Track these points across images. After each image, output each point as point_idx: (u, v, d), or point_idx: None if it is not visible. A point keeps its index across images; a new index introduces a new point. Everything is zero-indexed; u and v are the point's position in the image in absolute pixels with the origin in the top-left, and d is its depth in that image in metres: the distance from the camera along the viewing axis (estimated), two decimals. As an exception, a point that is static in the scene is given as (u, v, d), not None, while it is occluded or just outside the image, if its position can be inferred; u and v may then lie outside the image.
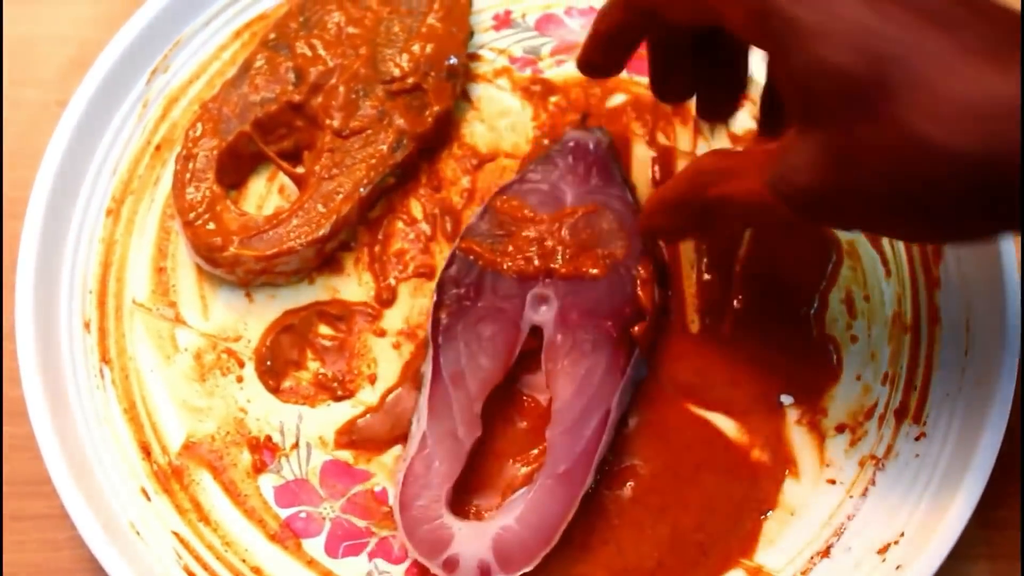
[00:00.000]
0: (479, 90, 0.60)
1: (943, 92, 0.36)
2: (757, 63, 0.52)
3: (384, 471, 0.52)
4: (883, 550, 0.50)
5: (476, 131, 0.59)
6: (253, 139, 0.56)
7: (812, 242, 0.56)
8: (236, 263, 0.53)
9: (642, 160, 0.58)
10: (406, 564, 0.50)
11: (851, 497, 0.51)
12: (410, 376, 0.54)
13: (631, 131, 0.59)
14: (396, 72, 0.57)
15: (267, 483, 0.52)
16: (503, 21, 0.62)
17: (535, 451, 0.52)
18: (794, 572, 0.50)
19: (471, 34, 0.60)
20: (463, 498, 0.51)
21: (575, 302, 0.52)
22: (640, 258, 0.53)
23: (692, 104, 0.58)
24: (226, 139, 0.56)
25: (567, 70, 0.60)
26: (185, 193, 0.55)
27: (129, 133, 0.58)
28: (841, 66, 0.37)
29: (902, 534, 0.50)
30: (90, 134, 0.57)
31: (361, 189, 0.55)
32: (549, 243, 0.53)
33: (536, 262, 0.53)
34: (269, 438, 0.53)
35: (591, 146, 0.56)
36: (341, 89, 0.56)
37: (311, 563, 0.50)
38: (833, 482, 0.52)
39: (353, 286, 0.56)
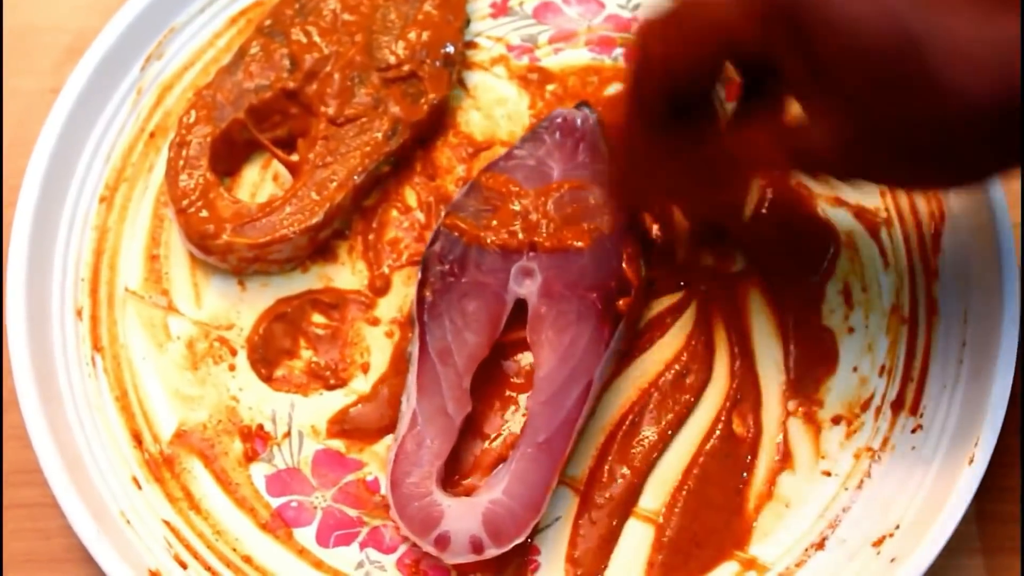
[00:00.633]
0: (475, 78, 0.60)
1: (960, 43, 0.37)
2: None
3: (376, 460, 0.52)
4: (878, 542, 0.49)
5: (472, 119, 0.59)
6: (247, 126, 0.56)
7: (810, 233, 0.56)
8: (229, 251, 0.53)
9: (639, 149, 0.58)
10: (397, 554, 0.50)
11: (846, 489, 0.51)
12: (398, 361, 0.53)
13: (628, 120, 0.58)
14: (392, 59, 0.57)
15: (259, 472, 0.52)
16: (500, 9, 0.61)
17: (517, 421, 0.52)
18: (788, 564, 0.50)
19: (468, 21, 0.59)
20: (453, 475, 0.51)
21: (559, 274, 0.52)
22: (626, 233, 0.53)
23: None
24: (220, 126, 0.55)
25: (564, 58, 0.60)
26: (178, 180, 0.54)
27: (123, 120, 0.58)
28: (876, 42, 0.38)
29: (897, 526, 0.49)
30: (84, 121, 0.56)
31: (355, 177, 0.55)
32: (534, 216, 0.53)
33: (520, 235, 0.53)
34: (261, 427, 0.52)
35: (578, 122, 0.55)
36: (336, 76, 0.56)
37: (302, 552, 0.50)
38: (828, 474, 0.52)
39: (347, 274, 0.55)
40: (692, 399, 0.53)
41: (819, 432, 0.52)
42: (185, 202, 0.54)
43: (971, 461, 0.49)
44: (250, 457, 0.52)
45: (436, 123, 0.58)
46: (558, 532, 0.51)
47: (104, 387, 0.53)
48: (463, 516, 0.48)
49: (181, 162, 0.55)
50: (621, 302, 0.51)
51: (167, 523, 0.50)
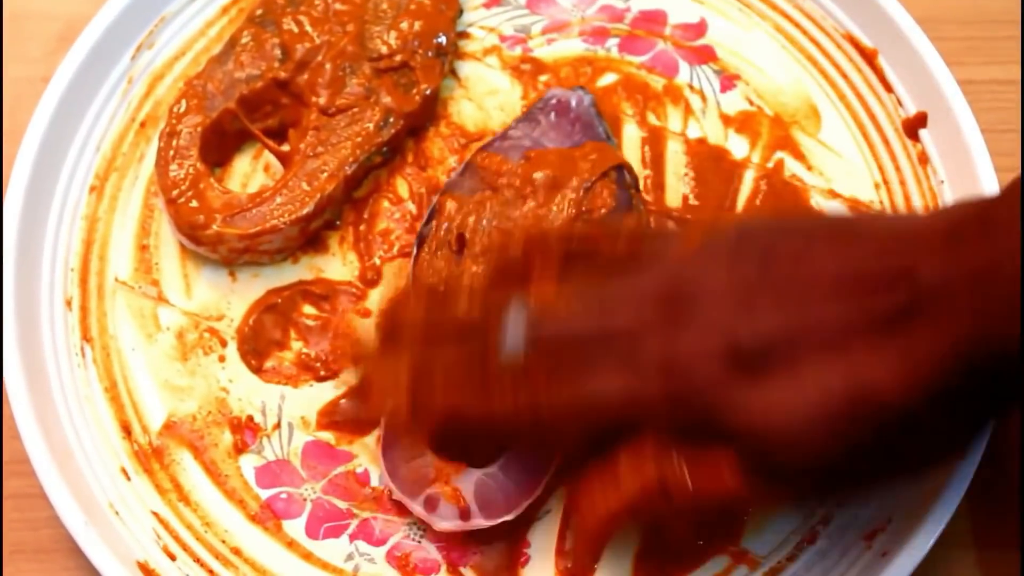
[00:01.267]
0: (468, 68, 0.59)
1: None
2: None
3: (367, 452, 0.52)
4: (869, 537, 0.49)
5: (464, 110, 0.58)
6: (238, 116, 0.55)
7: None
8: (219, 241, 0.53)
9: (632, 140, 0.57)
10: (387, 546, 0.50)
11: (838, 483, 0.51)
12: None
13: (621, 111, 0.58)
14: (384, 49, 0.56)
15: (248, 463, 0.51)
16: (493, -1, 0.61)
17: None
18: (779, 558, 0.50)
19: (460, 12, 0.59)
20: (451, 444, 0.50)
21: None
22: (624, 210, 0.53)
23: (684, 87, 0.58)
24: (211, 116, 0.55)
25: (557, 49, 0.60)
26: (168, 170, 0.54)
27: (113, 109, 0.57)
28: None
29: (889, 520, 0.49)
30: (73, 110, 0.56)
31: (346, 168, 0.54)
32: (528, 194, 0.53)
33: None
34: (251, 418, 0.52)
35: (573, 103, 0.55)
36: (328, 66, 0.56)
37: (291, 544, 0.50)
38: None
39: (337, 265, 0.55)
40: None
41: (811, 425, 0.52)
42: (175, 192, 0.53)
43: (964, 455, 0.48)
44: (240, 449, 0.52)
45: (428, 113, 0.57)
46: (548, 525, 0.50)
47: (93, 378, 0.52)
48: (455, 482, 0.48)
49: (171, 152, 0.54)
50: None
51: (156, 514, 0.50)
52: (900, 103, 0.57)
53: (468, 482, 0.48)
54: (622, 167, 0.54)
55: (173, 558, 0.49)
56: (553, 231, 0.50)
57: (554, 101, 0.56)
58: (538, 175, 0.53)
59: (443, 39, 0.57)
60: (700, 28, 0.60)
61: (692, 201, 0.56)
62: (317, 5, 0.57)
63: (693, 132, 0.58)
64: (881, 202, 0.56)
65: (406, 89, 0.56)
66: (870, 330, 0.38)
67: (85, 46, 0.56)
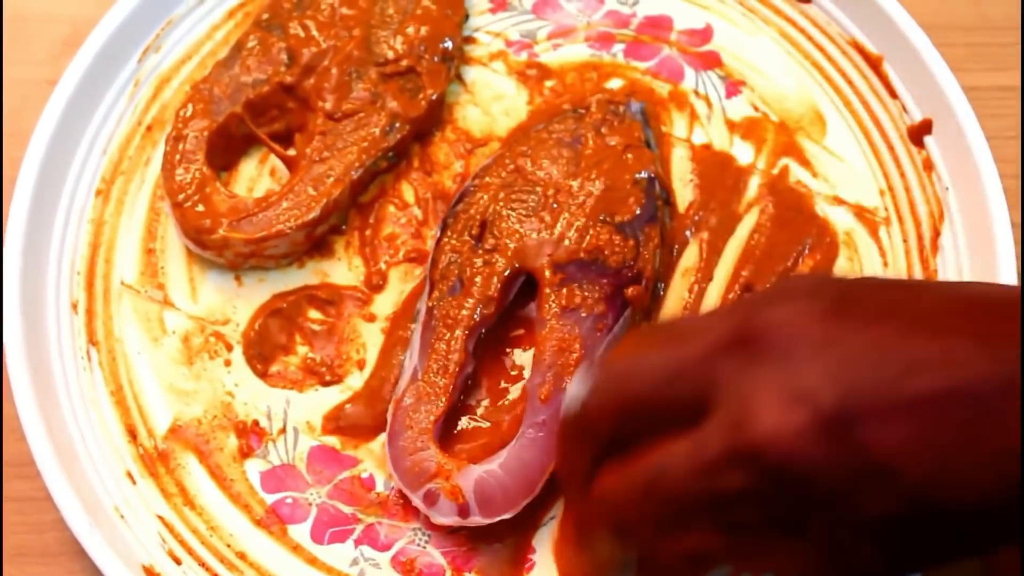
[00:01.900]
0: (473, 73, 0.59)
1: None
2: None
3: (371, 457, 0.52)
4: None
5: (470, 115, 0.58)
6: (244, 121, 0.55)
7: (809, 232, 0.56)
8: (225, 246, 0.53)
9: (637, 146, 0.57)
10: (392, 551, 0.50)
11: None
12: (390, 362, 0.54)
13: (627, 117, 0.58)
14: (390, 54, 0.56)
15: (253, 468, 0.51)
16: (499, 4, 0.61)
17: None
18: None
19: (466, 16, 0.59)
20: (449, 441, 0.51)
21: (573, 255, 0.52)
22: (647, 222, 0.53)
23: (689, 93, 0.58)
24: (217, 120, 0.55)
25: (563, 54, 0.60)
26: (175, 174, 0.54)
27: (120, 113, 0.57)
28: None
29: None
30: (80, 113, 0.56)
31: (352, 172, 0.54)
32: (557, 202, 0.53)
33: (545, 218, 0.53)
34: (256, 423, 0.52)
35: (620, 108, 0.56)
36: (334, 71, 0.56)
37: (296, 549, 0.50)
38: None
39: (343, 270, 0.55)
40: None
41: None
42: (181, 196, 0.53)
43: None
44: (245, 453, 0.52)
45: (434, 119, 0.57)
46: (553, 531, 0.50)
47: (99, 381, 0.53)
48: (456, 478, 0.48)
49: (178, 156, 0.54)
50: (630, 289, 0.51)
51: (161, 518, 0.50)
52: (905, 109, 0.57)
53: (468, 479, 0.48)
54: (655, 178, 0.54)
55: (178, 562, 0.49)
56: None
57: (602, 102, 0.56)
58: (574, 182, 0.53)
59: (449, 44, 0.57)
60: (706, 34, 0.60)
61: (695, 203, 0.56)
62: (323, 10, 0.57)
63: (698, 138, 0.58)
64: (887, 208, 0.56)
65: (412, 94, 0.56)
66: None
67: (92, 49, 0.56)
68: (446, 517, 0.48)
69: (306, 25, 0.57)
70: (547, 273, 0.52)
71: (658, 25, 0.60)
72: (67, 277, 0.54)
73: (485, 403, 0.52)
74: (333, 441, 0.52)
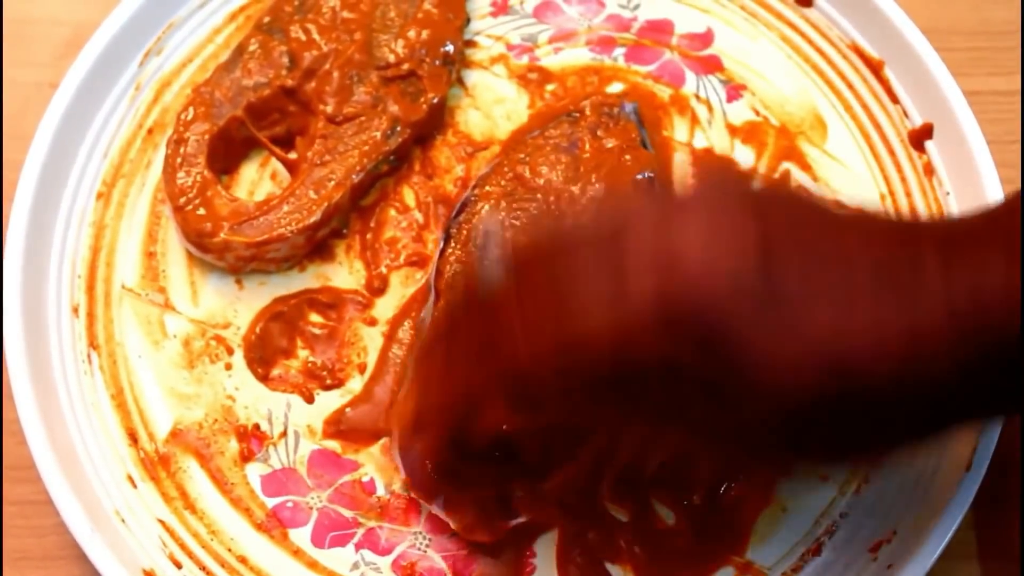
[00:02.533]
0: (474, 77, 0.59)
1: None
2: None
3: (373, 461, 0.52)
4: (874, 548, 0.49)
5: (471, 118, 0.58)
6: (245, 124, 0.55)
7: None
8: (226, 249, 0.53)
9: (639, 150, 0.57)
10: (393, 555, 0.50)
11: (843, 495, 0.51)
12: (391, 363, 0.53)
13: (628, 121, 0.58)
14: (391, 58, 0.57)
15: (254, 472, 0.51)
16: (501, 7, 0.61)
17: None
18: (784, 569, 0.50)
19: (467, 20, 0.59)
20: None
21: None
22: None
23: (690, 97, 0.58)
24: (218, 123, 0.55)
25: (564, 58, 0.60)
26: (176, 178, 0.54)
27: (121, 116, 0.57)
28: None
29: (894, 532, 0.49)
30: (81, 116, 0.56)
31: (353, 176, 0.54)
32: (559, 204, 0.53)
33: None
34: (257, 426, 0.52)
35: (615, 110, 0.56)
36: (335, 74, 0.56)
37: (297, 553, 0.50)
38: (826, 479, 0.51)
39: (344, 274, 0.55)
40: None
41: (816, 437, 0.52)
42: (182, 200, 0.53)
43: (968, 467, 0.48)
44: (246, 457, 0.52)
45: (435, 122, 0.57)
46: (554, 535, 0.50)
47: (100, 385, 0.53)
48: None
49: (179, 159, 0.54)
50: None
51: (162, 522, 0.50)
52: (906, 114, 0.57)
53: None
54: (654, 178, 0.54)
55: (179, 566, 0.49)
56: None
57: (596, 106, 0.56)
58: (574, 187, 0.53)
59: (450, 48, 0.57)
60: (707, 38, 0.60)
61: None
62: (325, 13, 0.57)
63: (699, 142, 0.58)
64: (887, 212, 0.56)
65: (413, 98, 0.56)
66: (873, 294, 0.36)
67: (93, 52, 0.56)
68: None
69: (307, 28, 0.57)
70: None
71: (659, 29, 0.60)
72: (68, 280, 0.54)
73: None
74: (334, 445, 0.52)
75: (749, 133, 0.58)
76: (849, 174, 0.57)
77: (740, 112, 0.59)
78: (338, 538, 0.50)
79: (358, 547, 0.50)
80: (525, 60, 0.60)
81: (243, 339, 0.54)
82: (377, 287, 0.55)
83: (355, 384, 0.53)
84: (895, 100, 0.58)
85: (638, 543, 0.50)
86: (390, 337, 0.54)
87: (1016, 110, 0.61)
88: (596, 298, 0.36)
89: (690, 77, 0.59)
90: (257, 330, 0.54)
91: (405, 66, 0.56)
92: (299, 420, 0.52)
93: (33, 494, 0.51)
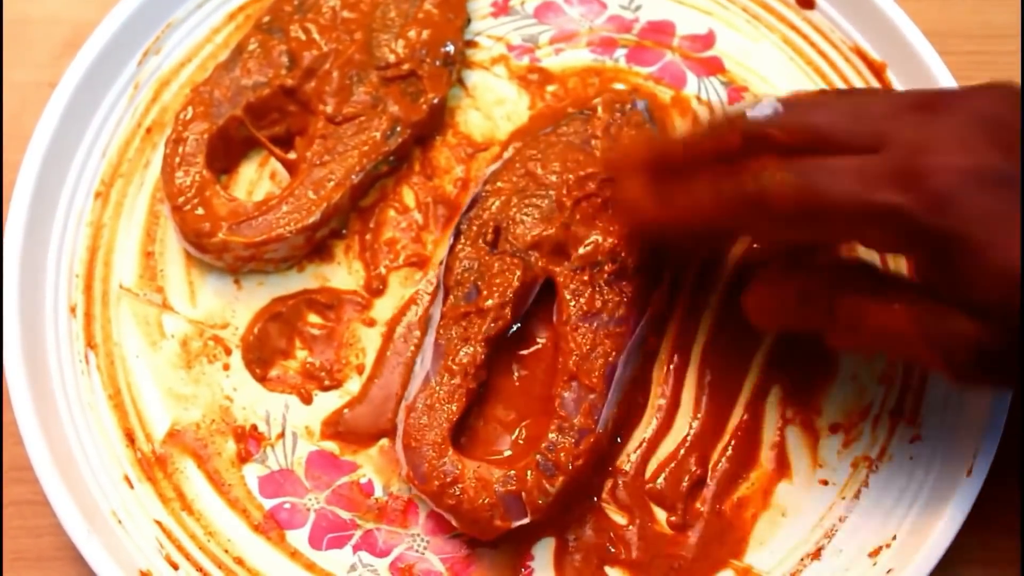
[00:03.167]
0: (475, 77, 0.59)
1: None
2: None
3: (370, 463, 0.51)
4: (874, 553, 0.49)
5: (471, 119, 0.58)
6: (244, 124, 0.55)
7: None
8: (224, 249, 0.53)
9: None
10: (390, 557, 0.50)
11: (843, 499, 0.51)
12: (389, 364, 0.53)
13: (628, 122, 0.58)
14: (391, 58, 0.56)
15: (252, 473, 0.51)
16: (502, 8, 0.61)
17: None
18: (784, 573, 0.50)
19: (468, 21, 0.59)
20: (462, 444, 0.51)
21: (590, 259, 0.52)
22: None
23: (692, 99, 0.58)
24: (217, 123, 0.55)
25: (565, 59, 0.59)
26: (174, 177, 0.54)
27: (119, 115, 0.57)
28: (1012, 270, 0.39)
29: (894, 537, 0.49)
30: (80, 115, 0.56)
31: (353, 176, 0.54)
32: (569, 203, 0.53)
33: (556, 225, 0.53)
34: (255, 427, 0.52)
35: (627, 107, 0.56)
36: (335, 74, 0.56)
37: (294, 555, 0.50)
38: (825, 483, 0.51)
39: (343, 275, 0.55)
40: None
41: (817, 440, 0.52)
42: (181, 199, 0.53)
43: (969, 472, 0.48)
44: (243, 458, 0.51)
45: (435, 123, 0.57)
46: (552, 540, 0.50)
47: (97, 385, 0.52)
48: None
49: (177, 159, 0.54)
50: (650, 293, 0.52)
51: (159, 523, 0.50)
52: (908, 117, 0.57)
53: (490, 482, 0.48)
54: None
55: (176, 567, 0.49)
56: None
57: (608, 103, 0.56)
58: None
59: (451, 48, 0.57)
60: (708, 39, 0.60)
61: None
62: (325, 13, 0.57)
63: (700, 144, 0.58)
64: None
65: (413, 98, 0.56)
66: None
67: (92, 51, 0.56)
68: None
69: (307, 28, 0.57)
70: (565, 277, 0.52)
71: (661, 30, 0.60)
72: (65, 280, 0.54)
73: (499, 409, 0.52)
74: (332, 446, 0.52)
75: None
76: (850, 177, 0.57)
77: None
78: (336, 540, 0.50)
79: (356, 549, 0.50)
80: (526, 61, 0.60)
81: (241, 339, 0.53)
82: (376, 288, 0.54)
83: (353, 385, 0.53)
84: (897, 103, 0.58)
85: (637, 546, 0.50)
86: (388, 338, 0.53)
87: (1018, 113, 0.61)
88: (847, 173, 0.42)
89: (691, 79, 0.59)
90: (255, 330, 0.54)
91: (405, 66, 0.56)
92: (297, 421, 0.52)
93: (30, 494, 0.51)
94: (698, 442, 0.52)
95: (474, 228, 0.53)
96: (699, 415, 0.52)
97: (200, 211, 0.53)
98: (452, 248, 0.53)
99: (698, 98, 0.59)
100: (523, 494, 0.48)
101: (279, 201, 0.53)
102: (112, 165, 0.56)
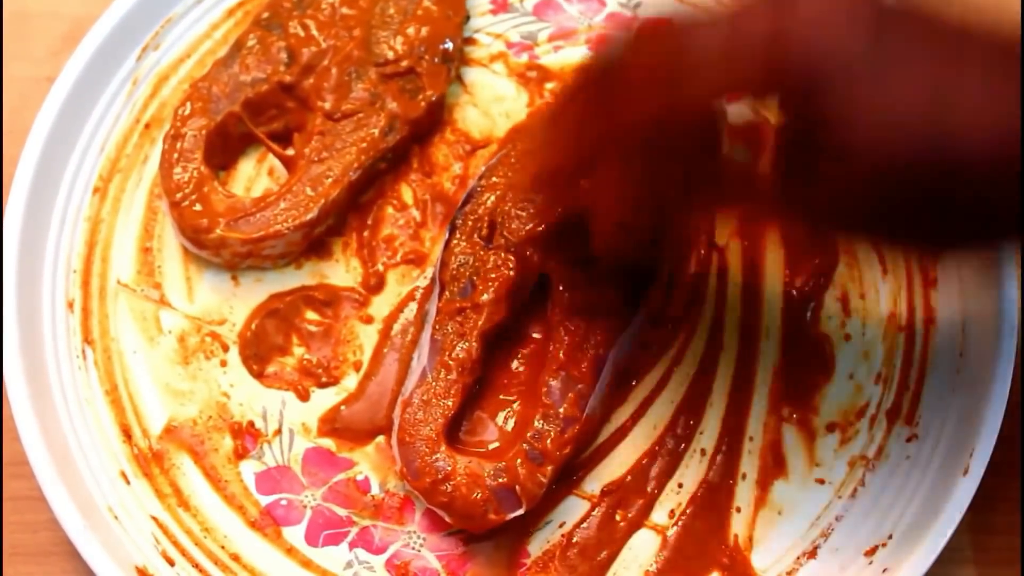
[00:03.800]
0: (474, 75, 0.59)
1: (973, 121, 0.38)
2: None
3: (367, 460, 0.51)
4: (870, 552, 0.49)
5: (469, 116, 0.58)
6: (243, 120, 0.55)
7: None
8: (222, 245, 0.53)
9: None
10: (387, 554, 0.50)
11: (839, 498, 0.51)
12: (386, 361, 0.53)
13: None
14: (390, 55, 0.56)
15: (248, 469, 0.51)
16: (500, 5, 0.61)
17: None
18: (780, 572, 0.50)
19: (467, 17, 0.59)
20: (457, 440, 0.51)
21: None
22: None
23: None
24: (215, 119, 0.55)
25: (564, 56, 0.59)
26: (172, 173, 0.54)
27: (118, 111, 0.57)
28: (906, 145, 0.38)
29: (890, 536, 0.49)
30: (78, 111, 0.56)
31: (351, 173, 0.54)
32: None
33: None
34: (251, 424, 0.52)
35: None
36: (333, 71, 0.56)
37: (291, 551, 0.50)
38: (822, 482, 0.51)
39: (340, 271, 0.55)
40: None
41: (813, 439, 0.52)
42: (179, 195, 0.53)
43: (966, 471, 0.48)
44: (240, 454, 0.51)
45: (433, 120, 0.57)
46: (547, 535, 0.50)
47: (94, 380, 0.52)
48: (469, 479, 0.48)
49: (175, 155, 0.54)
50: (646, 289, 0.52)
51: (155, 519, 0.50)
52: (907, 116, 0.57)
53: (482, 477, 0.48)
54: None
55: (172, 563, 0.49)
56: None
57: None
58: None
59: (449, 45, 0.57)
60: (707, 38, 0.60)
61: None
62: (324, 9, 0.57)
63: (699, 142, 0.57)
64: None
65: (412, 95, 0.56)
66: (982, 82, 0.38)
67: (90, 46, 0.56)
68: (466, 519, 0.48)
69: (306, 24, 0.56)
70: (560, 272, 0.52)
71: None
72: (63, 275, 0.54)
73: (496, 404, 0.52)
74: (328, 443, 0.52)
75: (749, 133, 0.58)
76: (849, 176, 0.57)
77: (739, 112, 0.58)
78: (332, 537, 0.50)
79: (352, 546, 0.50)
80: (525, 58, 0.59)
81: (238, 336, 0.53)
82: (374, 285, 0.54)
83: (350, 382, 0.53)
84: (896, 102, 0.58)
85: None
86: (386, 335, 0.53)
87: (1017, 113, 0.61)
88: (712, 33, 0.41)
89: (690, 77, 0.59)
90: (253, 327, 0.54)
91: (404, 63, 0.56)
92: (294, 418, 0.52)
93: (26, 490, 0.51)
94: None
95: (469, 223, 0.53)
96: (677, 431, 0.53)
97: (198, 207, 0.53)
98: (447, 243, 0.53)
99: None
100: (517, 487, 0.48)
101: (277, 198, 0.53)
102: (110, 160, 0.56)
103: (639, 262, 0.52)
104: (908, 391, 0.52)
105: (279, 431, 0.52)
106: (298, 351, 0.53)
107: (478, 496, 0.48)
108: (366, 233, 0.55)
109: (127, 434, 0.51)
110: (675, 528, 0.50)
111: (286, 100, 0.56)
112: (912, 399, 0.52)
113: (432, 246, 0.55)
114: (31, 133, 0.54)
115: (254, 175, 0.57)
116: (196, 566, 0.49)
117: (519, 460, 0.48)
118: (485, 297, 0.51)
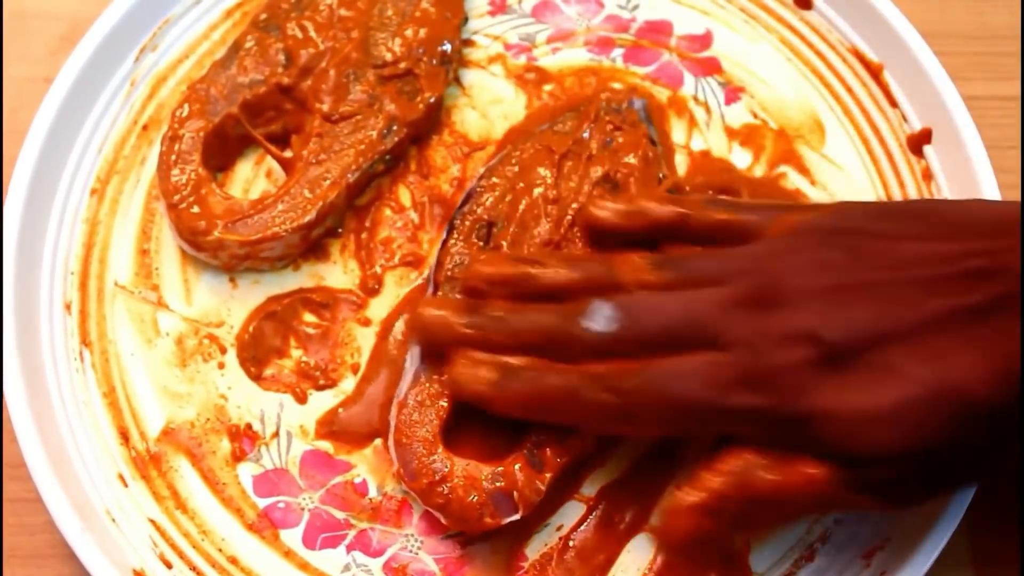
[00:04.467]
0: (472, 76, 0.59)
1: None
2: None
3: (365, 463, 0.51)
4: (868, 555, 0.49)
5: (468, 118, 0.58)
6: (241, 121, 0.55)
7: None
8: (220, 247, 0.53)
9: (636, 152, 0.57)
10: (384, 557, 0.50)
11: (837, 501, 0.51)
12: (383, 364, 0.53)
13: (625, 122, 0.58)
14: (388, 56, 0.56)
15: (246, 472, 0.51)
16: (499, 7, 0.61)
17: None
18: (778, 574, 0.50)
19: (465, 19, 0.59)
20: (465, 445, 0.50)
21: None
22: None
23: (689, 99, 0.58)
24: (213, 121, 0.55)
25: (562, 58, 0.59)
26: (170, 175, 0.54)
27: (116, 112, 0.57)
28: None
29: (888, 539, 0.49)
30: (76, 112, 0.56)
31: (349, 175, 0.54)
32: (562, 198, 0.53)
33: (550, 220, 0.53)
34: (249, 426, 0.52)
35: (624, 105, 0.56)
36: (332, 73, 0.56)
37: (288, 554, 0.50)
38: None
39: (338, 273, 0.55)
40: None
41: (811, 442, 0.52)
42: (176, 197, 0.53)
43: (963, 475, 0.48)
44: (238, 457, 0.51)
45: (431, 122, 0.57)
46: (545, 538, 0.50)
47: (92, 382, 0.52)
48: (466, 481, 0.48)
49: (173, 156, 0.54)
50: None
51: (153, 522, 0.50)
52: (905, 118, 0.57)
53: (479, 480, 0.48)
54: (662, 177, 0.54)
55: (169, 566, 0.49)
56: (651, 208, 0.50)
57: (606, 102, 0.56)
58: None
59: (448, 47, 0.57)
60: (706, 40, 0.60)
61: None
62: (322, 11, 0.57)
63: (697, 144, 0.58)
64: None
65: (410, 97, 0.56)
66: (959, 323, 0.39)
67: (88, 47, 0.56)
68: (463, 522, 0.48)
69: (304, 26, 0.56)
70: None
71: (658, 30, 0.60)
72: (61, 277, 0.54)
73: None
74: (326, 446, 0.52)
75: (747, 136, 0.58)
76: (847, 178, 0.57)
77: (738, 115, 0.58)
78: (329, 539, 0.50)
79: (349, 548, 0.50)
80: (523, 60, 0.59)
81: (236, 338, 0.53)
82: (372, 287, 0.54)
83: (348, 384, 0.53)
84: (894, 104, 0.58)
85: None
86: (384, 338, 0.53)
87: (1015, 115, 0.61)
88: (693, 371, 0.45)
89: (688, 79, 0.59)
90: (250, 329, 0.53)
91: (402, 65, 0.56)
92: (292, 420, 0.52)
93: (23, 492, 0.51)
94: None
95: (467, 224, 0.53)
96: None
97: (196, 209, 0.53)
98: (444, 243, 0.53)
99: (695, 99, 0.58)
100: (514, 492, 0.48)
101: (275, 199, 0.53)
102: (108, 162, 0.56)
103: None
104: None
105: (277, 433, 0.52)
106: (296, 353, 0.53)
107: (474, 499, 0.48)
108: (364, 235, 0.55)
109: (124, 436, 0.51)
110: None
111: (284, 102, 0.56)
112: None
113: (430, 248, 0.55)
114: (29, 134, 0.54)
115: (252, 177, 0.57)
116: (193, 569, 0.49)
117: (518, 465, 0.48)
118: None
